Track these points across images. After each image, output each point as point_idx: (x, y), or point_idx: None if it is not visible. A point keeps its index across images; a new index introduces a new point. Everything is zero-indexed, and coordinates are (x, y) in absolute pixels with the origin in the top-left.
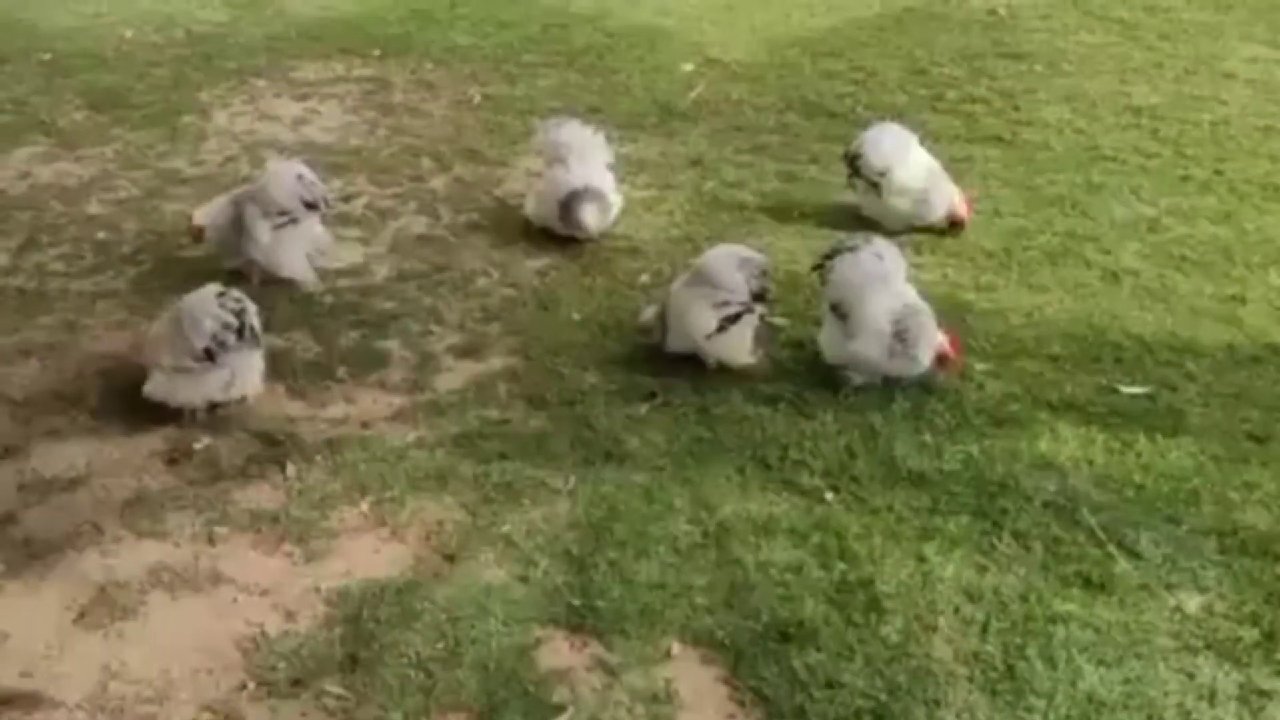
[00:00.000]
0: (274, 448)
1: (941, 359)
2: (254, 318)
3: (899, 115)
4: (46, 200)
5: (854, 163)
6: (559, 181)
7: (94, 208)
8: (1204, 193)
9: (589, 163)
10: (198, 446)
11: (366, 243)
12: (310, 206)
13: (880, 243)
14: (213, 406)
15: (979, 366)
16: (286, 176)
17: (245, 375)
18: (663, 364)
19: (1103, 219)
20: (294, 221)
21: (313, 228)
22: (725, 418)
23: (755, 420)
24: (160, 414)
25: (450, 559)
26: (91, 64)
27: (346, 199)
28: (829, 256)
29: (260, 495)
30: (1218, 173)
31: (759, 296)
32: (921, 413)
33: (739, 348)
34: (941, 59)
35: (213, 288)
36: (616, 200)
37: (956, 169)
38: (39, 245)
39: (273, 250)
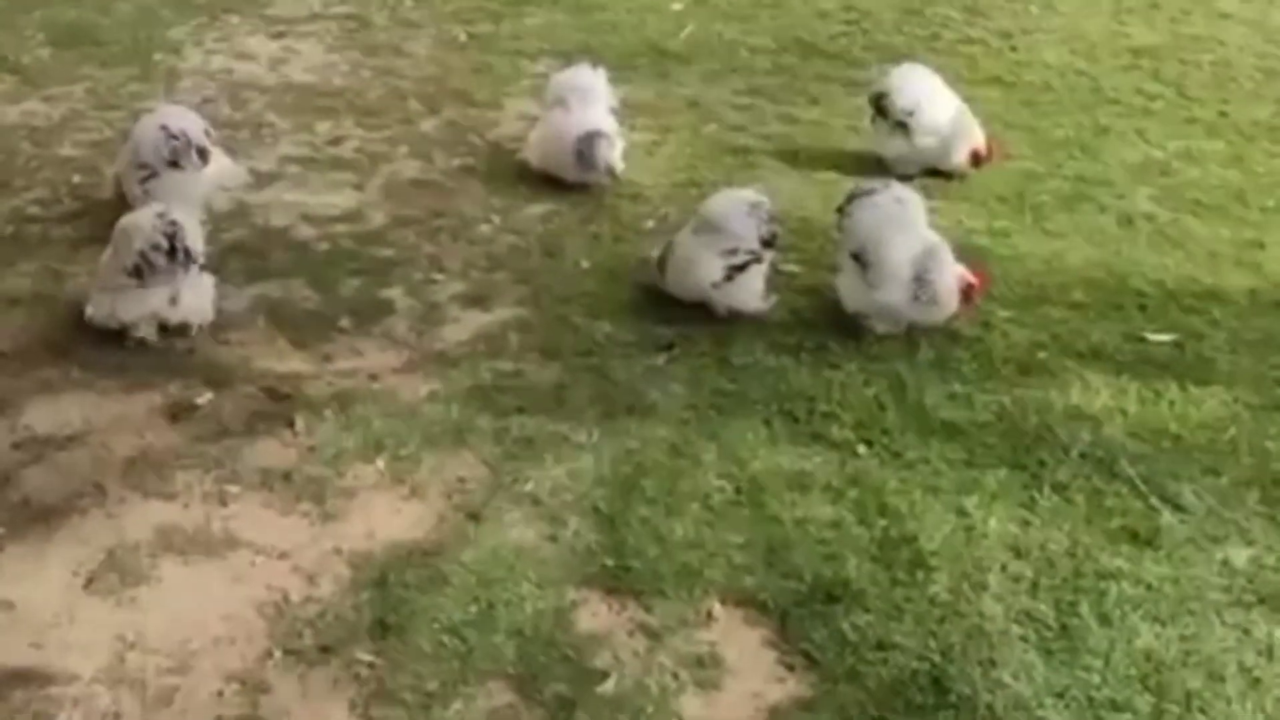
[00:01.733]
0: (280, 402)
1: (967, 292)
2: (189, 239)
3: (898, 57)
4: (16, 142)
5: (879, 102)
6: (567, 125)
7: (68, 149)
8: (1211, 135)
9: (593, 106)
10: (200, 401)
11: (360, 188)
12: (172, 163)
13: (899, 187)
14: (163, 329)
15: (1002, 314)
16: (149, 128)
17: (188, 298)
18: (678, 313)
19: (1112, 162)
20: (150, 176)
21: (197, 175)
22: (747, 369)
23: (779, 371)
24: (158, 368)
25: (475, 518)
26: None
27: (335, 141)
28: (847, 201)
29: (270, 452)
30: (1222, 114)
31: (768, 243)
32: (947, 362)
33: (749, 295)
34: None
35: (155, 208)
36: (619, 142)
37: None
38: (12, 189)
39: (148, 198)
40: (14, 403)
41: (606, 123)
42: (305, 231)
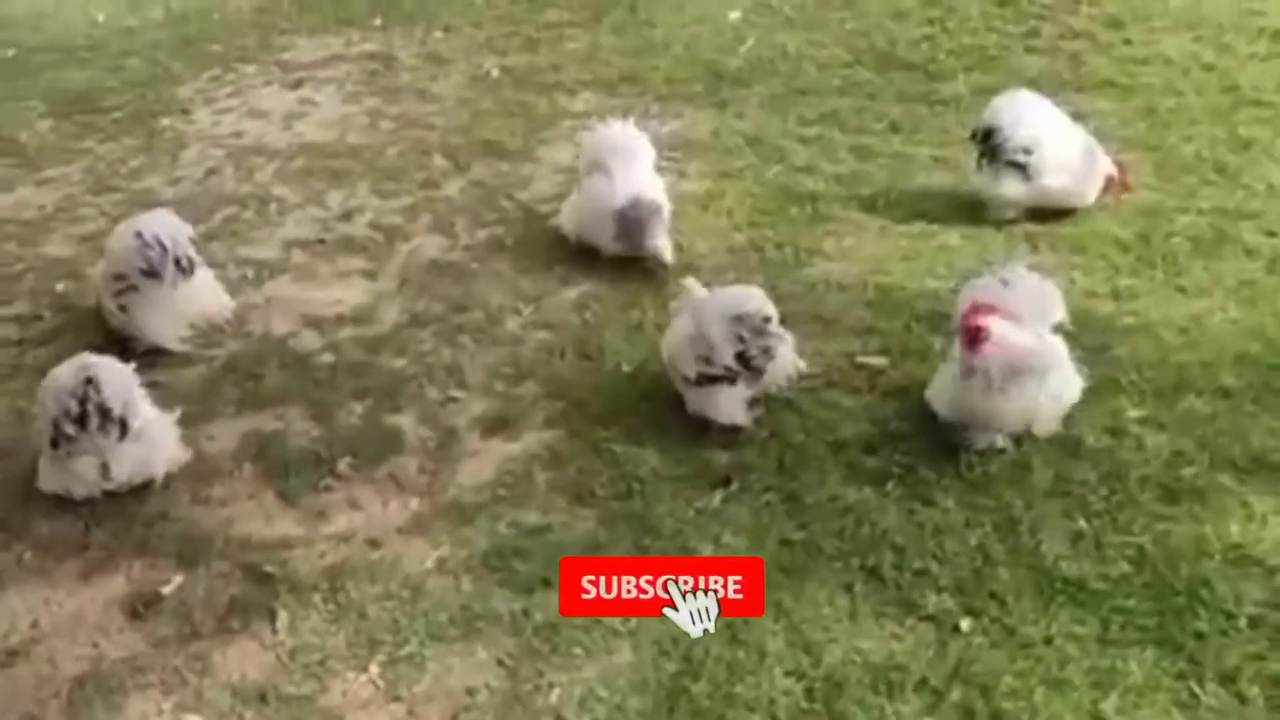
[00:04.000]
0: (262, 585)
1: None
2: (108, 400)
3: (989, 62)
4: (2, 241)
5: (988, 140)
6: (608, 194)
7: (56, 247)
8: None
9: (635, 168)
10: (166, 590)
11: (372, 276)
12: (148, 274)
13: (1023, 274)
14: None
15: (1132, 413)
16: (124, 237)
17: (126, 460)
18: (737, 433)
19: (1259, 186)
20: (132, 290)
21: (181, 289)
22: (820, 508)
23: (860, 510)
24: (122, 541)
25: None
26: (59, 59)
27: (347, 216)
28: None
29: (244, 660)
30: None
31: (747, 364)
32: (1069, 487)
33: (720, 408)
34: None
35: (75, 361)
36: (666, 208)
37: None
38: None
39: (132, 321)
40: None
41: (651, 188)
42: (307, 341)
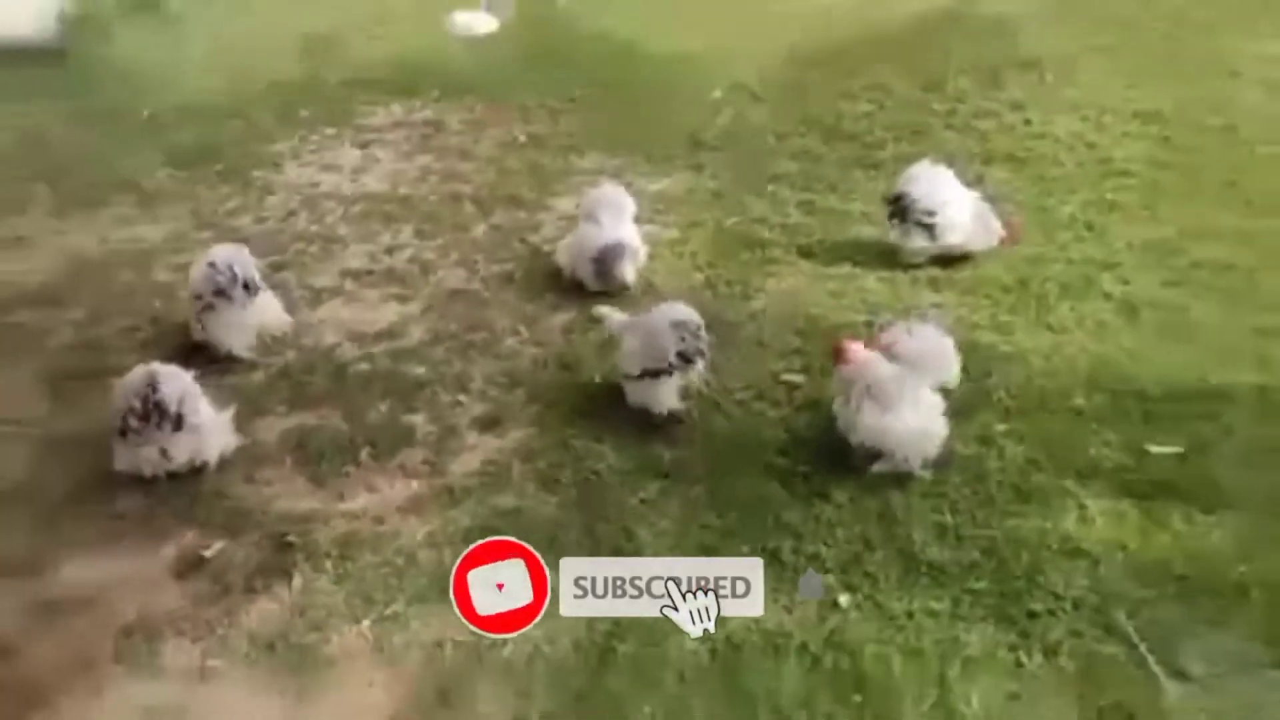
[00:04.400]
0: (285, 552)
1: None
2: (165, 399)
3: (914, 135)
4: (119, 266)
5: (898, 203)
6: (593, 239)
7: (160, 273)
8: (1221, 208)
9: (620, 221)
10: (209, 554)
11: (405, 300)
12: (219, 294)
13: (929, 331)
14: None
15: (999, 426)
16: (200, 266)
17: (180, 450)
18: (678, 432)
19: (1119, 242)
20: (210, 309)
21: (247, 308)
22: (737, 500)
23: (770, 503)
24: (183, 512)
25: (444, 697)
26: (181, 119)
27: (392, 251)
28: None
29: (264, 615)
30: (1230, 184)
31: (686, 358)
32: (943, 487)
33: (656, 399)
34: (954, 71)
35: (143, 368)
36: (641, 250)
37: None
38: (103, 316)
39: (210, 335)
40: (52, 559)
41: (628, 236)
42: (348, 352)
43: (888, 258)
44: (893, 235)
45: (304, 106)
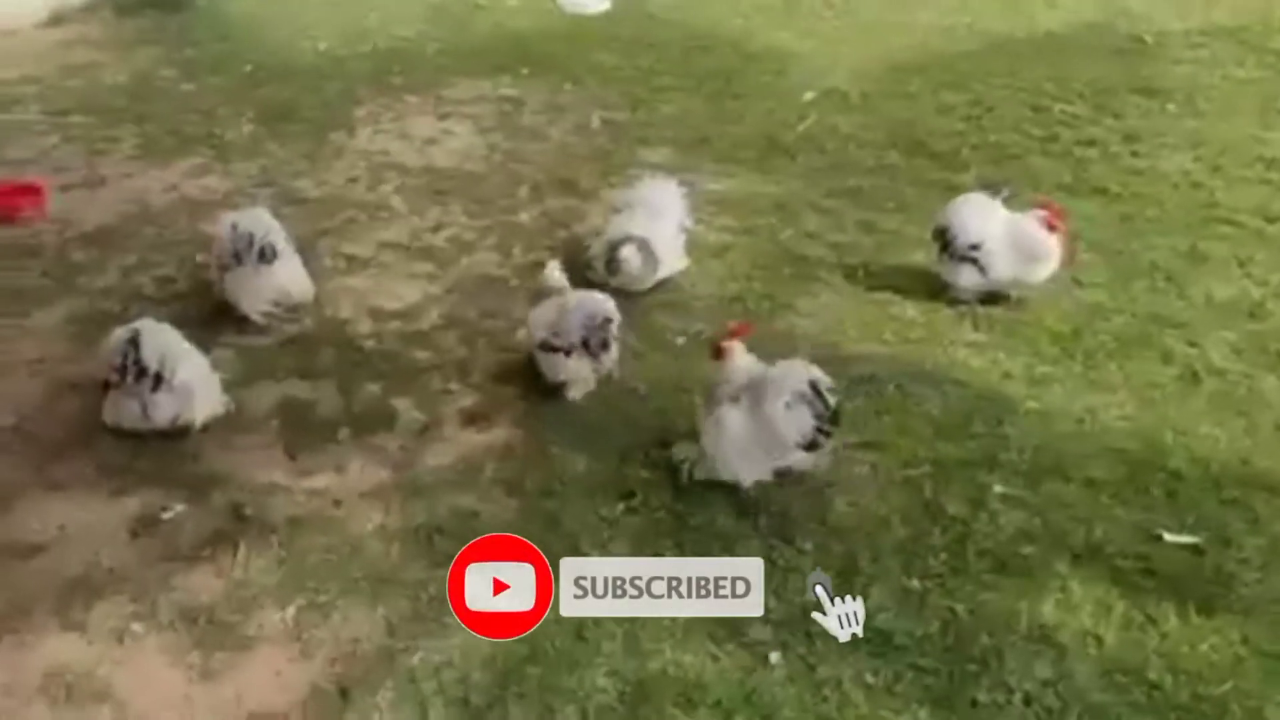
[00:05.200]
0: (239, 523)
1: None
2: (145, 358)
3: (1004, 159)
4: (177, 215)
5: (942, 237)
6: (612, 230)
7: (213, 226)
8: None
9: (655, 218)
10: (166, 515)
11: (432, 279)
12: (236, 257)
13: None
14: (177, 431)
15: (998, 489)
16: (224, 226)
17: (161, 409)
18: (657, 453)
19: (1198, 298)
20: (225, 269)
21: (264, 272)
22: (698, 531)
23: (729, 539)
24: (157, 470)
25: (345, 695)
26: (278, 75)
27: (436, 228)
28: None
29: (199, 586)
30: None
31: (586, 345)
32: (916, 546)
33: (557, 370)
34: (1069, 93)
35: (133, 325)
36: (672, 255)
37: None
38: (148, 264)
39: (228, 292)
40: (22, 497)
41: (650, 232)
42: (361, 328)
43: (934, 289)
44: (942, 271)
45: (399, 74)
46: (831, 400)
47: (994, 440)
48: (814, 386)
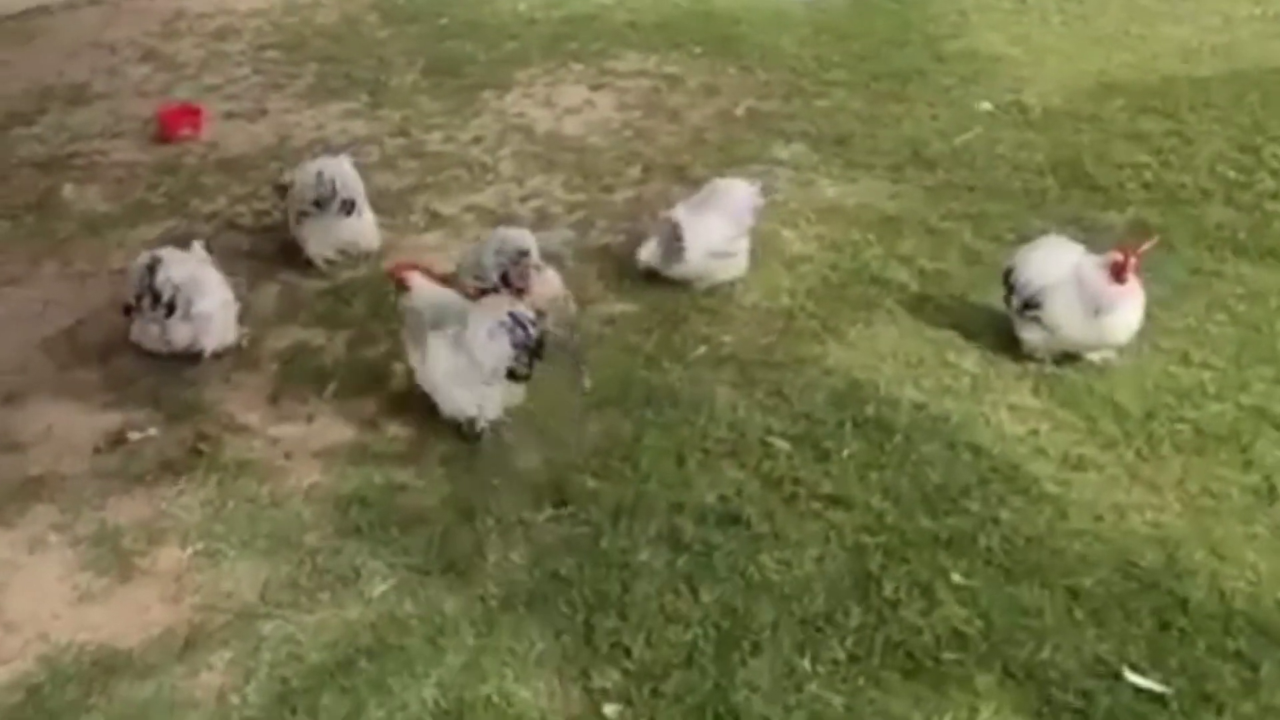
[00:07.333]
0: (192, 457)
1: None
2: (159, 285)
3: (1176, 200)
4: (305, 155)
5: (1008, 280)
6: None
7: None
8: None
9: (723, 216)
10: (134, 436)
11: None
12: (318, 204)
13: None
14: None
15: (956, 578)
16: (309, 172)
17: (176, 335)
18: (613, 469)
19: None
20: (304, 214)
21: (340, 221)
22: (606, 557)
23: (634, 573)
24: (151, 393)
25: (187, 644)
26: (466, 30)
27: (527, 198)
28: None
29: (127, 510)
30: None
31: (506, 280)
32: (829, 622)
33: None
34: None
35: (156, 252)
36: (723, 261)
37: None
38: (254, 197)
39: (298, 235)
40: (34, 395)
41: (694, 226)
42: None
43: (1008, 341)
44: (1014, 323)
45: (577, 40)
46: (533, 331)
47: (980, 521)
48: (513, 316)
